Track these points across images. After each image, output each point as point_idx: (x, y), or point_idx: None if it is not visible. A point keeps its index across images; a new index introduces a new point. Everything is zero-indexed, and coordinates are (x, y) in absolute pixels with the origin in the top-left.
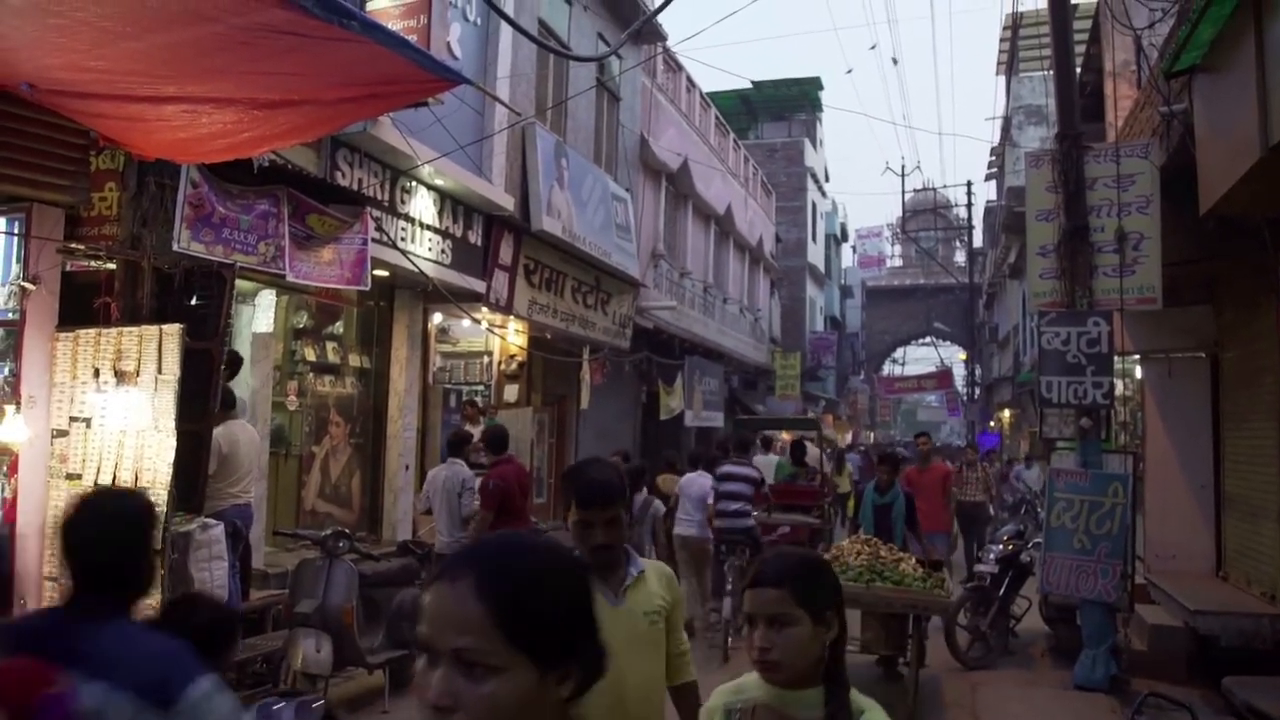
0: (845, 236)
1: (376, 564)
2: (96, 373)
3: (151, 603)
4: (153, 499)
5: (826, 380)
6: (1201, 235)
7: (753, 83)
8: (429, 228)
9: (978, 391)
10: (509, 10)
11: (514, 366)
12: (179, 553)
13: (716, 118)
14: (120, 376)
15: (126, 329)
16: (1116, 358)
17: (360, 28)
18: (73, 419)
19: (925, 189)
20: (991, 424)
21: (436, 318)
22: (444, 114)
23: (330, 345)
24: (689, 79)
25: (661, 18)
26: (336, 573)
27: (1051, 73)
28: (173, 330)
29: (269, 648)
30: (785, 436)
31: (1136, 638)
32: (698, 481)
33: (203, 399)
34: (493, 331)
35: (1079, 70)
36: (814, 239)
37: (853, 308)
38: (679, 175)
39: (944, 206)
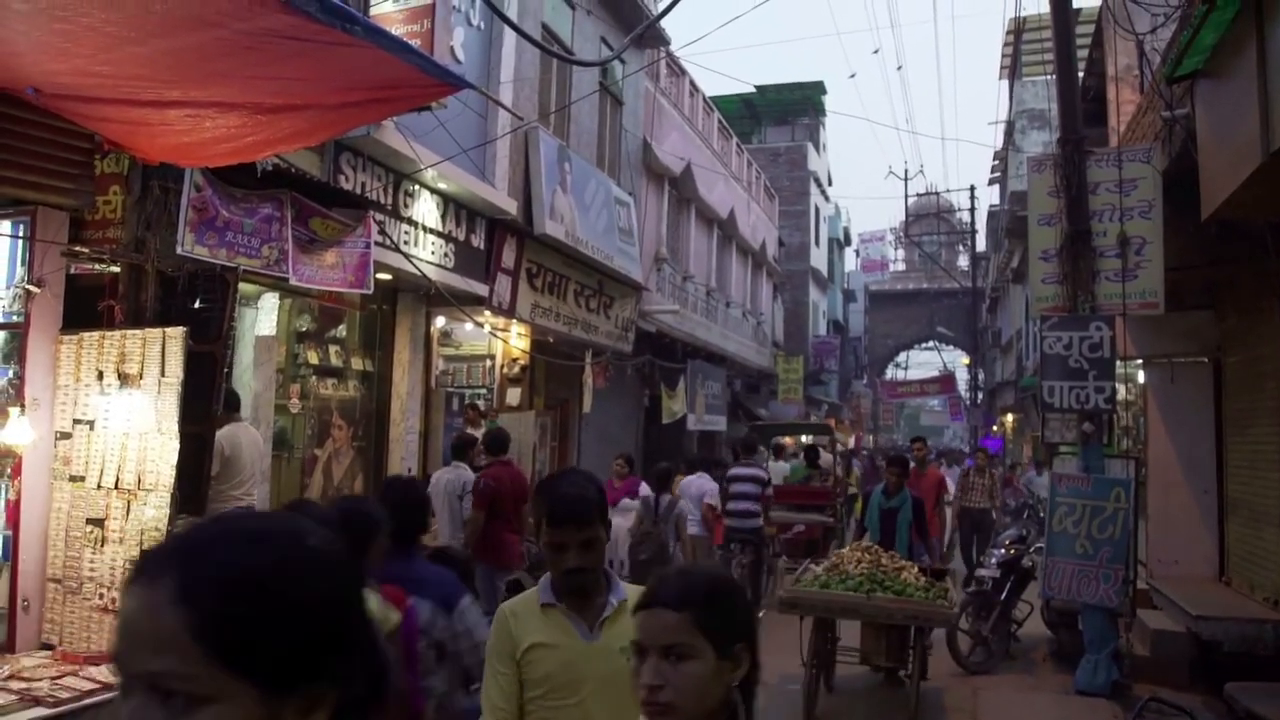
0: (848, 241)
1: None
2: (100, 375)
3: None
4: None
5: (829, 384)
6: (1204, 240)
7: (756, 87)
8: (432, 231)
9: (980, 396)
10: (512, 15)
11: (516, 370)
12: None
13: (719, 122)
14: (124, 379)
15: (130, 332)
16: (1119, 362)
17: (364, 32)
18: (76, 421)
19: (928, 193)
20: (994, 428)
21: (439, 321)
22: (447, 118)
23: (333, 348)
24: (692, 83)
25: (665, 22)
26: None
27: (1054, 77)
28: (176, 333)
29: None
30: (788, 442)
31: (1138, 643)
32: (696, 483)
33: (205, 401)
34: (495, 335)
35: (1081, 75)
36: (817, 243)
37: (855, 312)
38: (682, 179)
39: (947, 211)
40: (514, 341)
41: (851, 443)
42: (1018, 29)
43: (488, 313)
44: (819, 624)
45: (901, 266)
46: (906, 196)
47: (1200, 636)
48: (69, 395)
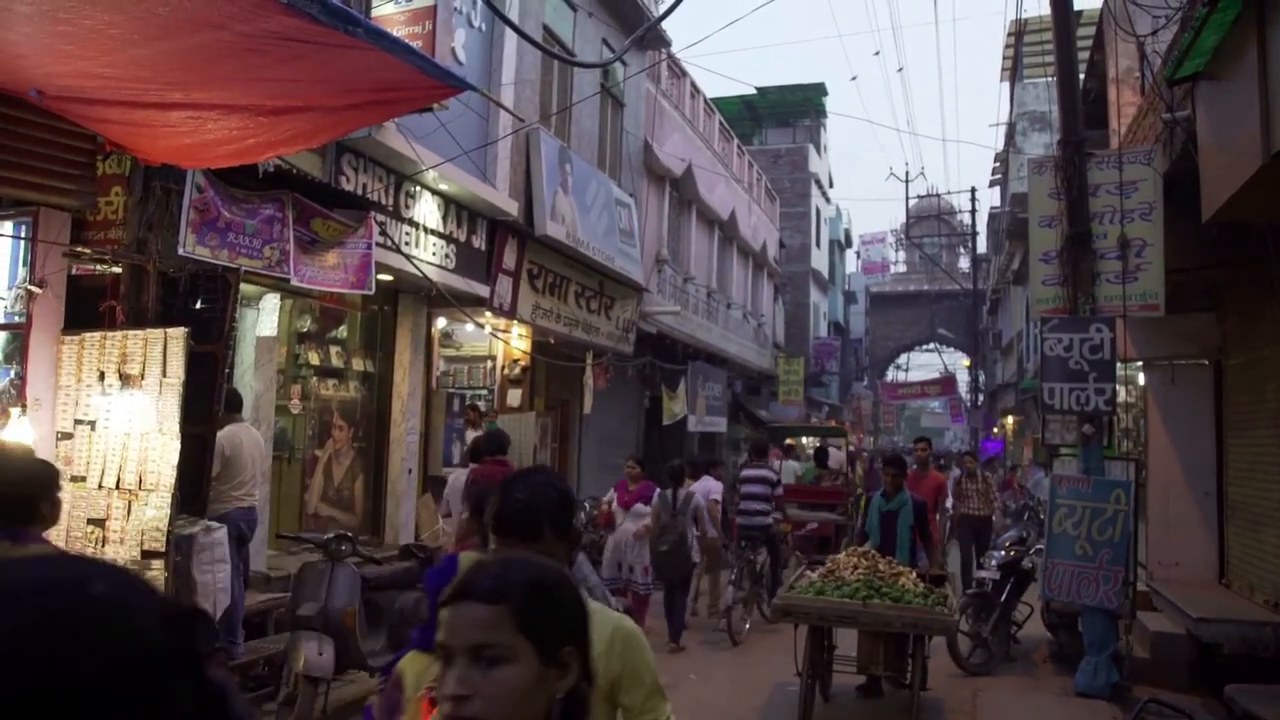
0: (849, 242)
1: (379, 567)
2: (101, 376)
3: None
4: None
5: (830, 386)
6: (1204, 242)
7: (757, 89)
8: (433, 232)
9: (981, 398)
10: (514, 17)
11: (517, 371)
12: (182, 555)
13: (720, 123)
14: (125, 379)
15: (131, 332)
16: (1119, 364)
17: (366, 34)
18: (78, 422)
19: (929, 195)
20: (995, 430)
21: (440, 322)
22: (448, 119)
23: (334, 349)
24: (693, 85)
25: (666, 24)
26: (339, 576)
27: (1055, 79)
28: (177, 334)
29: (271, 650)
30: (791, 442)
31: (1139, 645)
32: (702, 485)
33: (207, 402)
34: (496, 336)
35: (1082, 77)
36: (818, 244)
37: (856, 313)
38: (683, 180)
39: (948, 213)
40: (515, 342)
41: (853, 444)
42: (1019, 31)
43: (489, 314)
44: (814, 632)
45: (902, 268)
46: (907, 198)
47: (1200, 639)
48: (70, 396)
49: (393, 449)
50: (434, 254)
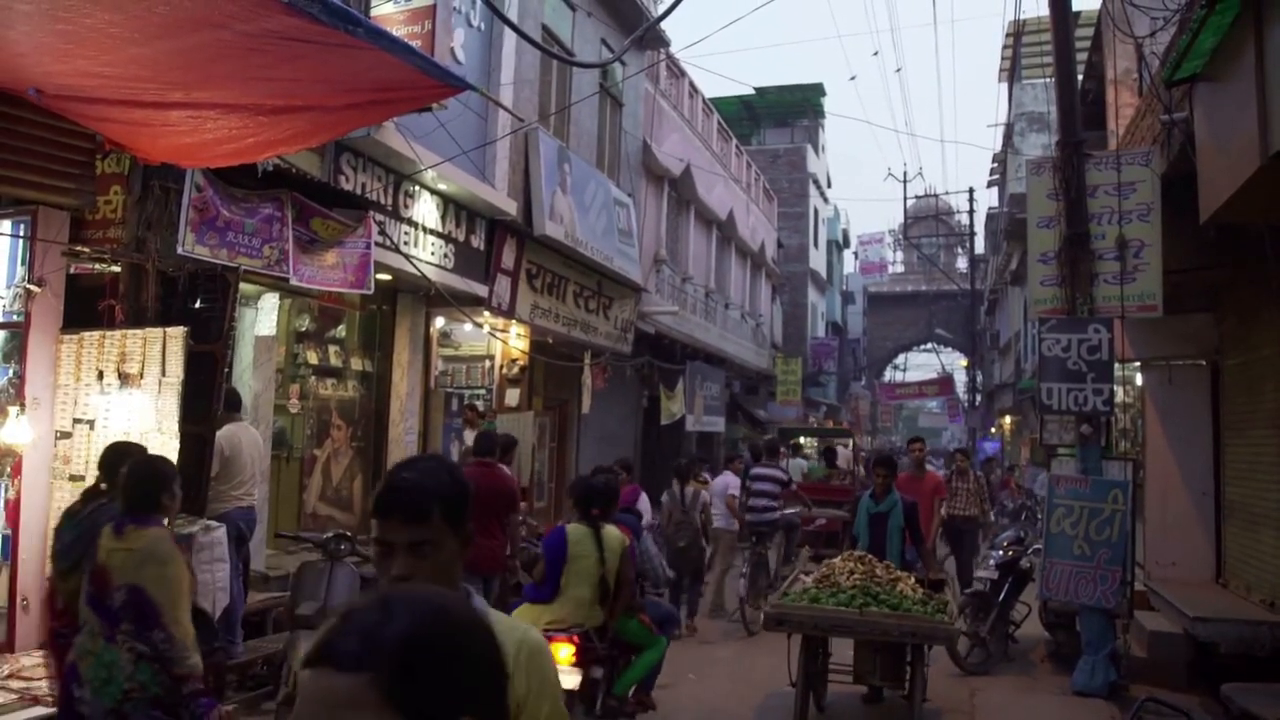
0: (847, 242)
1: None
2: (100, 375)
3: None
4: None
5: (828, 386)
6: (1202, 243)
7: (755, 89)
8: (432, 232)
9: (979, 398)
10: (513, 16)
11: (515, 371)
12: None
13: (719, 123)
14: (124, 379)
15: (131, 331)
16: (1117, 365)
17: (366, 34)
18: (76, 421)
19: (927, 195)
20: (993, 430)
21: (439, 321)
22: (447, 119)
23: (332, 348)
24: (692, 85)
25: (665, 24)
26: (338, 575)
27: (1053, 80)
28: (176, 333)
29: (270, 650)
30: (792, 442)
31: (1136, 644)
32: (720, 480)
33: (206, 401)
34: (494, 336)
35: (1080, 78)
36: (816, 245)
37: (854, 313)
38: (681, 180)
39: (946, 213)
40: (513, 342)
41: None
42: (1017, 32)
43: (487, 313)
44: (808, 641)
45: (900, 268)
46: (905, 199)
47: (1197, 638)
48: (69, 394)
49: (391, 448)
50: (433, 253)
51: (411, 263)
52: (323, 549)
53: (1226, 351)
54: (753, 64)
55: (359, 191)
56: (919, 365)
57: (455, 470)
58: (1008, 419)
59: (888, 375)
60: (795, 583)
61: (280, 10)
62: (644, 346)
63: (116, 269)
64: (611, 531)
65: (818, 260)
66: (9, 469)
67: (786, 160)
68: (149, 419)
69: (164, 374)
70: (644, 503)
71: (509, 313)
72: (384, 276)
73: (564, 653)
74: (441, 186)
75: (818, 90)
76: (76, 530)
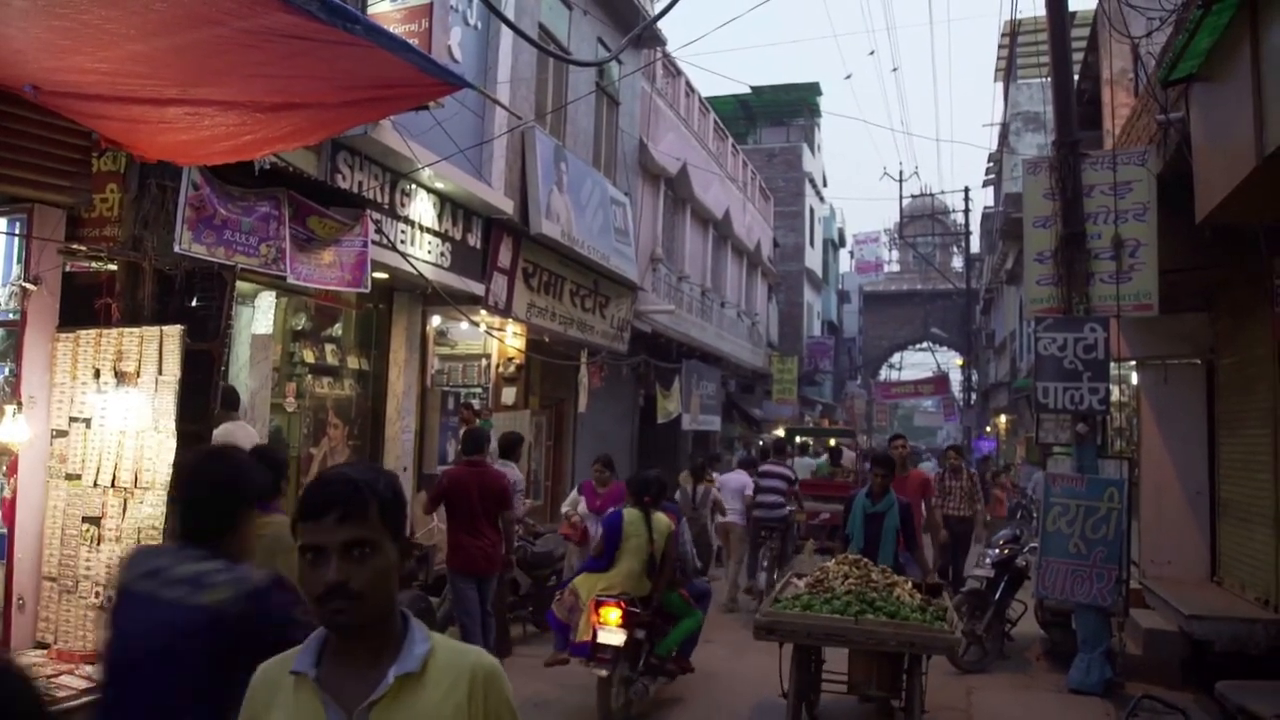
0: (843, 242)
1: None
2: (97, 373)
3: None
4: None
5: (823, 385)
6: (1198, 243)
7: (751, 88)
8: (428, 230)
9: (974, 397)
10: (509, 14)
11: (512, 369)
12: None
13: (715, 123)
14: (120, 377)
15: (127, 330)
16: (1113, 364)
17: (363, 31)
18: (73, 419)
19: (923, 195)
20: (988, 429)
21: (435, 320)
22: (444, 117)
23: (329, 347)
24: (688, 84)
25: (661, 23)
26: None
27: (1049, 80)
28: (173, 331)
29: None
30: (799, 441)
31: (1131, 642)
32: (735, 478)
33: (203, 399)
34: (491, 334)
35: (1077, 78)
36: (812, 244)
37: (850, 313)
38: (678, 179)
39: (941, 212)
40: (509, 341)
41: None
42: (1013, 31)
43: (484, 312)
44: (801, 650)
45: (896, 268)
46: (901, 198)
47: (1192, 636)
48: (65, 393)
49: (388, 447)
50: (429, 252)
51: (408, 261)
52: None
53: (1221, 351)
54: (749, 63)
55: (356, 190)
56: (914, 364)
57: (390, 475)
58: (1003, 418)
59: (883, 374)
60: (787, 587)
61: (278, 7)
62: (640, 345)
63: (113, 267)
64: (660, 516)
65: (813, 259)
66: (5, 468)
67: (782, 159)
68: (145, 417)
69: (160, 372)
70: (680, 493)
71: (505, 311)
72: (381, 275)
73: (613, 615)
74: (438, 185)
75: (814, 89)
76: None
